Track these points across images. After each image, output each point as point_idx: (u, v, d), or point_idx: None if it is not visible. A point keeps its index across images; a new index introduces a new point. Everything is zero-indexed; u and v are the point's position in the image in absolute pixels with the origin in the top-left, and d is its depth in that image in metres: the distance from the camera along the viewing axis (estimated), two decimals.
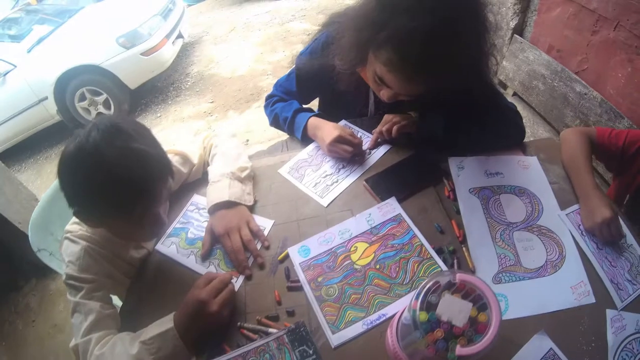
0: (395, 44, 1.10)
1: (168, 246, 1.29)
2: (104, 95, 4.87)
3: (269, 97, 1.76)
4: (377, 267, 1.17)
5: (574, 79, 2.76)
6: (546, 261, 1.18)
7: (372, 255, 1.19)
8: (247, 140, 3.94)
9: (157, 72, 5.16)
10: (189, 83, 5.48)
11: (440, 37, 1.05)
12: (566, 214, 1.29)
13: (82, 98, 4.86)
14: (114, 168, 0.99)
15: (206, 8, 8.25)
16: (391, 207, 1.31)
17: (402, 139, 1.50)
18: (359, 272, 1.16)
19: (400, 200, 1.33)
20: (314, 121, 1.55)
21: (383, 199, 1.34)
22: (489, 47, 1.23)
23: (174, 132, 4.58)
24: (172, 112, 5.00)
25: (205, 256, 1.25)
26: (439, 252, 1.20)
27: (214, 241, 1.27)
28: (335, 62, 1.38)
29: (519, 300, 1.11)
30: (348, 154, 1.45)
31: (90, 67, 4.66)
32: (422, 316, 0.79)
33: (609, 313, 1.09)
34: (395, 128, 1.46)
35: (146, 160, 1.05)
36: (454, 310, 0.79)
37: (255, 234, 1.26)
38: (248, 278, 1.18)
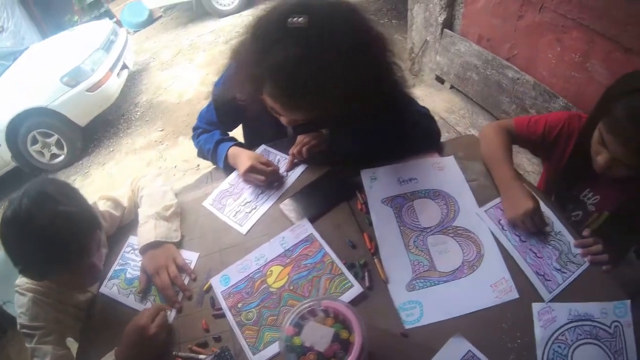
0: (272, 76, 1.12)
1: (110, 288, 1.35)
2: (56, 136, 4.82)
3: (194, 129, 1.77)
4: (291, 288, 1.19)
5: (505, 66, 2.81)
6: (462, 262, 1.18)
7: (286, 277, 1.21)
8: (198, 165, 3.91)
9: (105, 106, 5.10)
10: (138, 113, 5.43)
11: (310, 66, 1.06)
12: (485, 210, 1.29)
13: (34, 141, 4.79)
14: (45, 232, 1.09)
15: (152, 33, 8.22)
16: (303, 228, 1.31)
17: (318, 157, 1.51)
18: (275, 294, 1.18)
19: (313, 220, 1.33)
20: (233, 151, 1.57)
21: (297, 220, 1.34)
22: (387, 60, 1.26)
23: (128, 165, 4.53)
24: (125, 144, 4.94)
25: (143, 294, 1.30)
26: (351, 267, 1.19)
27: (149, 279, 1.31)
28: (237, 94, 1.38)
29: (434, 305, 1.11)
30: (262, 183, 1.47)
31: (38, 110, 4.62)
32: (297, 341, 0.82)
33: (535, 307, 1.09)
34: (304, 149, 1.47)
35: (73, 220, 1.15)
36: (317, 336, 0.82)
37: (182, 268, 1.31)
38: (179, 311, 1.24)
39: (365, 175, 1.42)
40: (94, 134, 5.30)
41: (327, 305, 0.83)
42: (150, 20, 8.91)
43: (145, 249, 1.33)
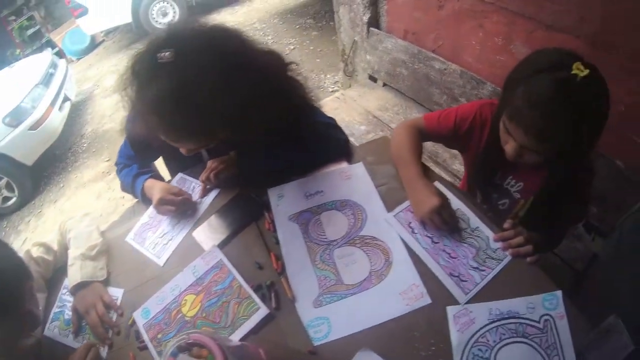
0: (152, 112, 1.12)
1: (52, 330, 1.37)
2: (5, 179, 4.69)
3: (116, 165, 1.77)
4: (204, 315, 1.19)
5: (431, 58, 2.83)
6: (370, 272, 1.17)
7: (199, 305, 1.22)
8: None
9: (50, 142, 4.99)
10: (85, 145, 5.35)
11: (182, 98, 1.06)
12: (394, 215, 1.29)
13: None
14: None
15: (95, 59, 8.13)
16: (213, 255, 1.31)
17: (229, 181, 1.51)
18: (189, 323, 1.19)
19: (223, 244, 1.34)
20: (148, 184, 1.57)
21: (207, 247, 1.34)
22: (282, 75, 1.30)
23: (79, 200, 4.46)
24: (74, 179, 4.86)
25: (77, 333, 1.33)
26: (258, 288, 1.20)
27: (81, 318, 1.34)
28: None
29: (342, 319, 1.10)
30: (174, 213, 1.48)
31: None
32: None
33: (450, 310, 1.07)
34: (212, 175, 1.47)
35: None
36: None
37: (109, 306, 1.33)
38: (110, 346, 1.26)
39: (273, 194, 1.42)
40: (44, 171, 5.19)
41: (195, 339, 0.83)
42: (93, 45, 8.81)
43: (75, 290, 1.35)
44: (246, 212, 1.41)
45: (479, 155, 1.45)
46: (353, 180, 1.41)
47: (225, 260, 1.28)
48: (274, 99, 1.25)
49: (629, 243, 1.64)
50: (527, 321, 1.06)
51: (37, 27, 9.26)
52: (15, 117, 4.59)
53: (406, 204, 1.30)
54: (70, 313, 1.39)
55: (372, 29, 3.29)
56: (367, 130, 2.93)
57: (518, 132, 1.14)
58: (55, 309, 1.43)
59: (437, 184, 1.35)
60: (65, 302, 1.43)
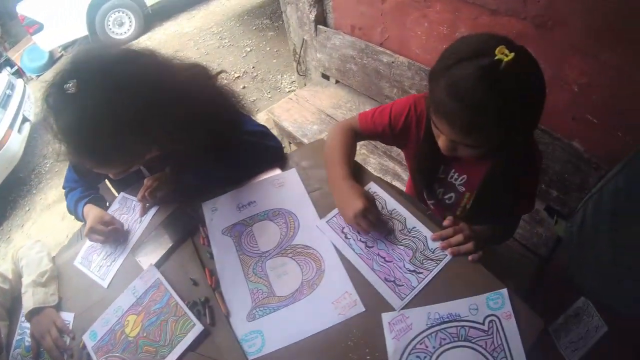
0: (65, 141, 1.12)
1: (15, 357, 1.39)
2: None
3: (63, 188, 1.77)
4: (145, 334, 1.19)
5: (379, 51, 2.84)
6: (302, 283, 1.17)
7: (140, 325, 1.22)
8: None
9: (12, 165, 4.89)
10: (47, 165, 5.24)
11: (89, 126, 1.07)
12: (327, 221, 1.28)
13: None
14: None
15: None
16: (151, 274, 1.31)
17: (166, 197, 1.51)
18: (132, 343, 1.19)
19: (161, 263, 1.34)
20: (86, 209, 1.59)
21: (145, 267, 1.35)
22: (205, 88, 1.30)
23: (45, 223, 4.37)
24: (39, 201, 4.77)
25: (37, 358, 1.36)
26: (193, 305, 1.20)
27: (39, 344, 1.37)
28: None
29: (276, 332, 1.10)
30: (103, 243, 1.51)
31: None
32: None
33: (385, 317, 1.05)
34: (147, 193, 1.47)
35: None
36: None
37: (62, 330, 1.36)
38: None
39: (206, 208, 1.42)
40: (9, 195, 5.08)
41: None
42: (52, 61, 8.66)
43: (29, 316, 1.38)
44: (182, 228, 1.41)
45: (418, 151, 1.41)
46: (286, 187, 1.41)
47: (162, 279, 1.28)
48: (198, 114, 1.25)
49: (591, 224, 1.65)
50: (470, 324, 1.03)
51: None
52: None
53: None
54: (29, 339, 1.42)
55: (319, 26, 3.27)
56: (320, 130, 2.93)
57: (444, 126, 1.09)
58: (16, 337, 1.45)
59: (372, 184, 1.36)
60: (25, 330, 1.45)
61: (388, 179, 2.50)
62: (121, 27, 7.37)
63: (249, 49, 5.57)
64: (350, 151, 1.41)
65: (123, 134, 1.11)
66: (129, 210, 1.60)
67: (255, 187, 1.45)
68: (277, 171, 1.48)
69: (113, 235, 1.50)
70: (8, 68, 7.29)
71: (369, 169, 2.47)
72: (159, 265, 1.34)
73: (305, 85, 3.72)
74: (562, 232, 1.94)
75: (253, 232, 1.32)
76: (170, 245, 1.38)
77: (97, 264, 1.50)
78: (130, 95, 1.09)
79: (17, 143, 4.95)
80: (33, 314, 1.40)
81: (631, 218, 1.51)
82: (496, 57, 0.92)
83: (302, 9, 3.33)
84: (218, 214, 1.40)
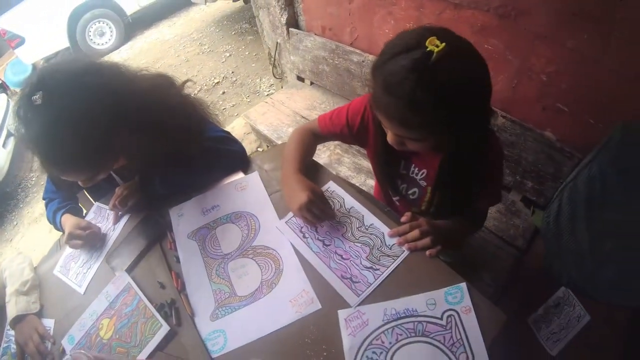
0: (34, 151, 1.20)
1: None
2: None
3: (43, 199, 1.84)
4: (117, 336, 1.25)
5: (349, 51, 2.89)
6: (261, 282, 1.22)
7: (113, 328, 1.28)
8: None
9: None
10: (34, 178, 5.28)
11: (51, 140, 1.15)
12: (286, 222, 1.33)
13: None
14: None
15: None
16: (122, 279, 1.37)
17: (137, 204, 1.58)
18: (107, 345, 1.25)
19: (131, 268, 1.40)
20: (63, 219, 1.65)
21: (117, 272, 1.41)
22: (168, 98, 1.37)
23: (33, 236, 4.40)
24: (26, 215, 4.80)
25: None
26: (161, 307, 1.26)
27: (22, 350, 1.44)
28: None
29: (237, 330, 1.14)
30: (82, 247, 1.57)
31: None
32: None
33: (341, 314, 1.07)
34: (117, 202, 1.54)
35: None
36: None
37: (43, 336, 1.43)
38: None
39: (173, 213, 1.48)
40: None
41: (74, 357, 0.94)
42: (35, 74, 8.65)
43: (13, 324, 1.46)
44: (151, 234, 1.47)
45: (377, 148, 1.42)
46: (248, 190, 1.47)
47: (132, 283, 1.35)
48: (161, 122, 1.31)
49: (568, 213, 1.71)
50: (427, 319, 1.04)
51: None
52: None
53: None
54: (14, 352, 1.48)
55: (291, 29, 3.33)
56: (280, 121, 3.00)
57: (384, 121, 1.11)
58: (3, 344, 1.51)
59: (330, 183, 1.41)
60: (10, 337, 1.52)
61: (362, 177, 2.56)
62: (102, 37, 7.39)
63: (228, 54, 5.62)
64: (305, 151, 1.45)
65: (88, 143, 1.17)
66: (103, 219, 1.66)
67: (218, 192, 1.51)
68: (240, 174, 1.54)
69: (91, 238, 1.56)
70: None
71: (344, 168, 2.55)
72: (129, 270, 1.40)
73: (282, 87, 3.77)
74: (539, 222, 2.01)
75: (216, 235, 1.38)
76: (140, 250, 1.44)
77: (74, 272, 1.55)
78: (94, 105, 1.15)
79: (2, 158, 4.99)
80: (16, 321, 1.47)
81: (606, 205, 1.58)
82: (428, 49, 0.92)
83: (273, 13, 3.39)
84: (184, 219, 1.46)
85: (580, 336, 1.62)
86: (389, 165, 1.45)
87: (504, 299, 1.88)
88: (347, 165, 2.65)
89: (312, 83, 3.43)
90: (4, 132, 5.15)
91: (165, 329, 1.20)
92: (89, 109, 1.15)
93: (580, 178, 1.65)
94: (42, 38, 7.41)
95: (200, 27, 6.73)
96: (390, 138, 1.17)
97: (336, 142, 2.73)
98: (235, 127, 4.01)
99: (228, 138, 1.60)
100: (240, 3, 6.20)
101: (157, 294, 1.31)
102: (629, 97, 1.66)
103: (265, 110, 3.29)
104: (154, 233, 1.47)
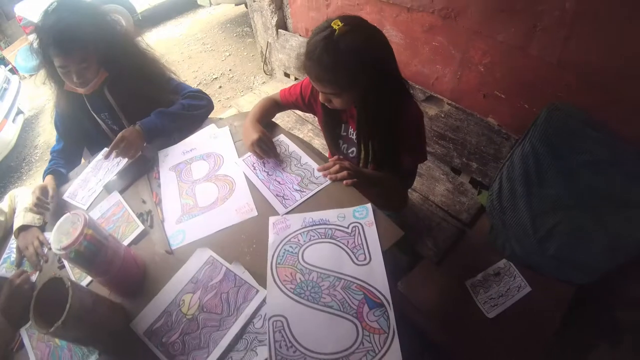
0: (51, 45, 1.72)
1: (0, 270, 1.75)
2: None
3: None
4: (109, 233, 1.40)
5: None
6: (217, 198, 1.60)
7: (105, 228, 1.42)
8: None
9: (4, 153, 5.25)
10: (38, 154, 5.61)
11: (69, 20, 1.69)
12: (243, 159, 1.72)
13: None
14: None
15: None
16: (114, 197, 1.78)
17: (135, 148, 1.91)
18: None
19: (122, 191, 1.81)
20: (46, 180, 2.00)
21: (108, 193, 1.82)
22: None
23: None
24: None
25: (19, 265, 1.73)
26: (140, 215, 1.66)
27: (22, 254, 1.75)
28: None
29: (194, 229, 1.51)
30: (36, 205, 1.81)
31: None
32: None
33: (271, 219, 1.41)
34: (121, 151, 1.85)
35: None
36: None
37: (42, 242, 1.74)
38: (40, 270, 1.67)
39: (161, 154, 1.90)
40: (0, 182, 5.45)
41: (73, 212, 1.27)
42: None
43: (17, 233, 1.76)
44: (141, 168, 1.87)
45: (322, 115, 1.78)
46: (218, 138, 1.88)
47: (121, 199, 1.74)
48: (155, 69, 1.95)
49: (508, 189, 1.91)
50: (336, 227, 1.33)
51: None
52: None
53: None
54: (13, 260, 1.76)
55: (280, 30, 3.72)
56: (275, 118, 3.38)
57: (311, 82, 1.49)
58: (4, 255, 1.80)
59: (281, 136, 1.80)
60: (11, 250, 1.80)
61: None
62: None
63: (228, 54, 6.00)
64: (265, 111, 1.84)
65: (84, 35, 1.69)
66: (108, 162, 1.97)
67: (196, 138, 1.92)
68: (214, 126, 1.96)
69: (40, 208, 1.81)
70: (2, 66, 7.54)
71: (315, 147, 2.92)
72: (121, 192, 1.79)
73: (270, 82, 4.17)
74: (484, 201, 2.15)
75: (191, 168, 1.78)
76: (131, 180, 1.85)
77: (80, 196, 1.88)
78: (97, 16, 1.77)
79: (11, 132, 5.34)
80: (21, 230, 1.76)
81: (542, 182, 1.81)
82: (333, 28, 1.31)
83: (265, 16, 3.80)
84: (169, 158, 1.87)
85: (520, 304, 1.80)
86: (332, 128, 1.81)
87: (445, 263, 2.05)
88: (317, 146, 2.93)
89: (296, 79, 3.81)
90: (15, 110, 5.52)
91: (140, 228, 1.59)
92: (95, 14, 1.76)
93: (516, 155, 1.85)
94: None
95: (205, 28, 7.10)
96: (321, 97, 1.53)
97: (309, 127, 3.10)
98: (226, 115, 4.38)
99: (201, 94, 2.07)
100: (243, 8, 6.61)
101: (139, 207, 1.70)
102: (553, 80, 1.84)
103: (252, 100, 3.67)
104: (144, 168, 1.87)
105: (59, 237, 1.21)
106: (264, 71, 4.39)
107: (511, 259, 1.93)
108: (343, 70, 1.36)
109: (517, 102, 2.07)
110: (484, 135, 2.19)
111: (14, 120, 5.44)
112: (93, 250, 1.24)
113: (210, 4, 6.24)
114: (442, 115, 2.36)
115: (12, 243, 1.83)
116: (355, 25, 1.35)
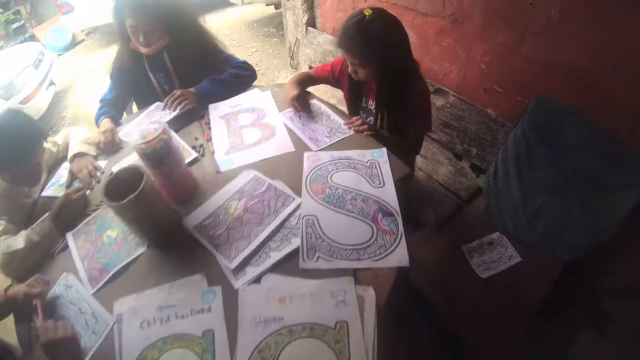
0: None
1: (48, 190, 1.94)
2: None
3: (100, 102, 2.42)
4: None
5: None
6: (261, 137, 1.95)
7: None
8: None
9: (36, 117, 5.41)
10: (65, 125, 5.83)
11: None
12: (282, 113, 2.08)
13: None
14: (12, 130, 1.67)
15: (75, 56, 8.56)
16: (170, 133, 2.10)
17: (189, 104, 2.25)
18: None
19: (177, 131, 2.13)
20: (102, 123, 2.25)
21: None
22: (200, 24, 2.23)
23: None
24: None
25: (69, 187, 1.90)
26: (193, 147, 1.99)
27: (73, 178, 1.95)
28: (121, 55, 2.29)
29: (241, 158, 1.84)
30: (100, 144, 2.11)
31: None
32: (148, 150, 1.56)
33: (305, 154, 1.77)
34: (178, 94, 2.16)
35: (30, 123, 1.77)
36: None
37: (95, 167, 1.96)
38: (91, 189, 1.88)
39: (211, 107, 2.24)
40: None
41: (152, 122, 1.57)
42: (73, 43, 9.11)
43: (72, 158, 1.95)
44: (194, 116, 2.22)
45: (348, 88, 2.13)
46: (262, 99, 2.25)
47: (175, 135, 2.06)
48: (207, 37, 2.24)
49: (502, 171, 2.11)
50: (357, 162, 1.69)
51: (22, 22, 9.52)
52: (8, 91, 5.10)
53: (289, 108, 2.09)
54: (63, 182, 1.94)
55: (309, 28, 4.08)
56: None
57: (344, 54, 1.86)
58: (52, 180, 1.97)
59: (314, 100, 2.17)
60: (61, 176, 1.99)
61: None
62: None
63: (254, 50, 6.32)
64: (301, 79, 2.20)
65: (156, 2, 2.02)
66: (159, 111, 2.29)
67: (242, 97, 2.28)
68: (257, 90, 2.32)
69: (107, 147, 2.09)
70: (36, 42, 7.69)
71: None
72: (175, 131, 2.12)
73: None
74: (481, 183, 2.39)
75: (238, 118, 2.13)
76: (184, 124, 2.19)
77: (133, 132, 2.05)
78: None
79: (43, 99, 5.66)
80: (76, 156, 1.94)
81: (531, 163, 1.99)
82: (364, 14, 1.70)
83: (297, 14, 4.17)
84: (218, 109, 2.21)
85: (510, 271, 1.96)
86: (355, 100, 2.17)
87: (444, 231, 2.27)
88: None
89: None
90: (48, 80, 5.88)
91: (193, 155, 1.92)
92: None
93: (509, 139, 2.06)
94: (91, 10, 7.88)
95: (233, 26, 7.40)
96: (350, 69, 1.88)
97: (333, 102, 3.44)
98: None
99: (247, 62, 2.42)
100: (270, 10, 6.92)
101: (191, 143, 2.04)
102: (541, 77, 2.13)
103: (277, 90, 4.03)
104: (195, 116, 2.22)
105: (138, 137, 1.50)
106: (290, 65, 4.75)
107: (504, 234, 2.12)
108: (369, 46, 1.72)
109: (513, 96, 2.34)
110: (483, 124, 2.49)
111: (47, 89, 5.77)
112: (165, 152, 1.52)
113: (242, 2, 6.55)
114: (448, 106, 2.68)
115: (62, 169, 2.03)
116: (381, 14, 1.73)
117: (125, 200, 1.33)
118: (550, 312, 1.92)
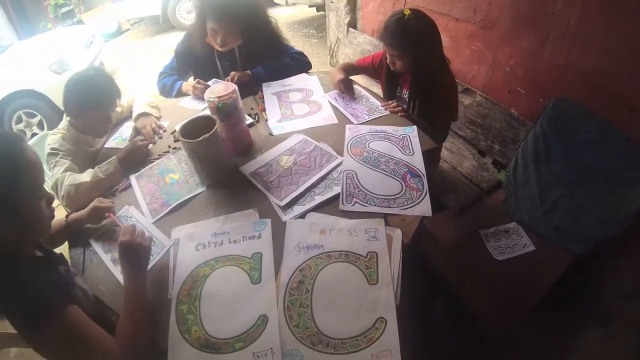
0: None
1: (110, 143, 2.19)
2: (39, 117, 5.22)
3: (160, 75, 2.63)
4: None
5: None
6: (309, 111, 2.21)
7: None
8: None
9: None
10: None
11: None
12: (328, 94, 2.34)
13: (19, 121, 5.20)
14: (96, 81, 1.94)
15: (120, 45, 8.79)
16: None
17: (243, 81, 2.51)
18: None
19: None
20: (184, 85, 2.54)
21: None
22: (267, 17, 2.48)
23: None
24: None
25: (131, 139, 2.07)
26: (249, 115, 2.27)
27: (137, 134, 2.13)
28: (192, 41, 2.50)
29: (291, 125, 2.10)
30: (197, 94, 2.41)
31: (26, 92, 5.04)
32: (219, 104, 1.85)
33: (347, 126, 2.02)
34: (236, 77, 2.36)
35: (111, 79, 2.02)
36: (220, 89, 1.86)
37: (159, 126, 2.19)
38: (154, 144, 2.10)
39: (265, 86, 2.51)
40: None
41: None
42: (119, 32, 9.44)
43: (137, 117, 2.17)
44: (250, 91, 2.49)
45: (385, 78, 2.41)
46: (309, 81, 2.54)
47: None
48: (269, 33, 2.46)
49: (522, 166, 2.23)
50: (391, 134, 1.94)
51: (71, 7, 10.02)
52: (61, 67, 5.24)
53: (333, 90, 2.36)
54: (125, 137, 2.14)
55: (350, 29, 4.37)
56: None
57: (384, 46, 2.14)
58: (115, 135, 2.21)
59: (357, 86, 2.43)
60: (123, 132, 2.21)
61: None
62: (189, 14, 8.12)
63: None
64: (347, 67, 2.48)
65: (236, 12, 2.23)
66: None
67: (294, 79, 2.55)
68: (305, 75, 2.62)
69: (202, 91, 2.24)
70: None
71: None
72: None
73: None
74: (502, 177, 2.52)
75: (288, 95, 2.43)
76: (243, 95, 2.41)
77: (192, 102, 2.42)
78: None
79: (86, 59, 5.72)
80: (140, 115, 2.16)
81: (549, 159, 2.11)
82: (403, 13, 1.98)
83: (340, 15, 4.47)
84: (271, 87, 2.50)
85: (523, 257, 2.06)
86: (391, 88, 2.45)
87: (464, 215, 2.44)
88: None
89: None
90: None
91: (249, 120, 2.20)
92: None
93: (529, 136, 2.19)
94: (139, 1, 8.30)
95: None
96: (389, 60, 2.17)
97: None
98: None
99: (301, 53, 2.69)
100: (313, 12, 7.23)
101: (247, 111, 2.30)
102: (560, 79, 2.28)
103: None
104: (249, 91, 2.50)
105: (211, 93, 1.76)
106: (330, 63, 5.05)
107: (520, 225, 2.22)
108: (407, 40, 1.99)
109: (533, 97, 2.52)
110: (505, 122, 2.67)
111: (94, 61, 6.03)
112: (232, 108, 1.79)
113: (287, 3, 6.85)
114: (474, 105, 2.91)
115: (125, 127, 2.26)
116: (418, 15, 2.02)
117: (200, 139, 1.59)
118: (555, 301, 2.00)
